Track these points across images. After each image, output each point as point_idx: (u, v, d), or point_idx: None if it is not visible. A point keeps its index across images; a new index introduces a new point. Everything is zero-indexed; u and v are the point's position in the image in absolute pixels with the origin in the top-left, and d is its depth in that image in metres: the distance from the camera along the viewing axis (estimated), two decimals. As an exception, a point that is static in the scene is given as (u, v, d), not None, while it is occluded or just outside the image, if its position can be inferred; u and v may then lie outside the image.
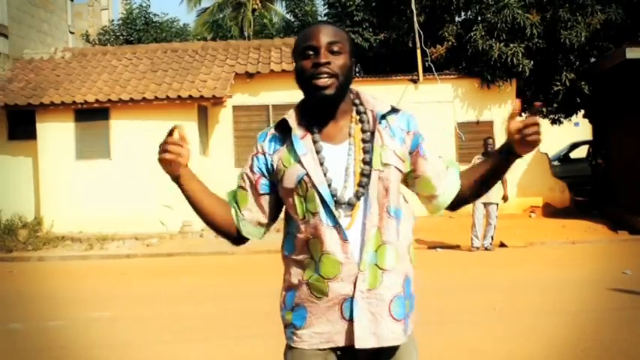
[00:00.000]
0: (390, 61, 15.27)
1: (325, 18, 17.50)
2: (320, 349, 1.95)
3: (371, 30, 15.10)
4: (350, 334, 1.91)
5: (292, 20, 22.59)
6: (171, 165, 1.95)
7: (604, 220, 13.00)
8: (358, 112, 2.02)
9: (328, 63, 1.91)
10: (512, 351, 5.13)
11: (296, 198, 1.95)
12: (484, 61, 13.91)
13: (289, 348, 2.02)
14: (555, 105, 15.61)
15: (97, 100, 13.05)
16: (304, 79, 1.94)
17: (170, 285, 8.71)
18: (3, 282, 9.58)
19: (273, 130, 2.05)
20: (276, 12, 28.95)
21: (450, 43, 14.52)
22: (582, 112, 16.47)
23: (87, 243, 12.69)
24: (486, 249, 10.66)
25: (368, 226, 1.91)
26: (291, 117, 2.01)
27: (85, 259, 11.67)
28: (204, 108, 13.93)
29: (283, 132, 2.02)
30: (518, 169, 14.45)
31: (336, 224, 1.90)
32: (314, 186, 1.92)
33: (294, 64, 2.01)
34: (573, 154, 19.47)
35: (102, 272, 10.16)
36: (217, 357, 5.27)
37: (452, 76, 14.66)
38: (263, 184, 2.04)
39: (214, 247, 11.47)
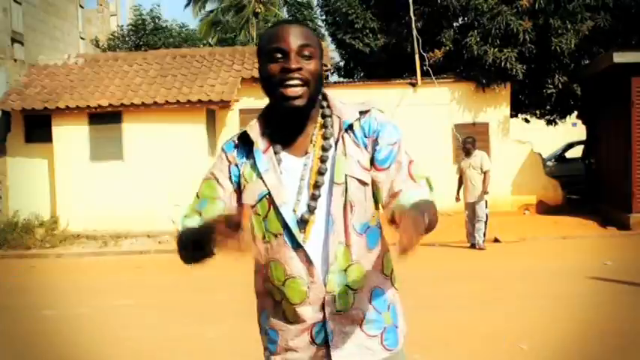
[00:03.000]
0: (390, 65, 15.89)
1: (324, 24, 18.08)
2: None
3: (371, 36, 15.72)
4: (319, 359, 1.82)
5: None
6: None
7: (595, 216, 13.62)
8: (323, 116, 1.82)
9: (300, 69, 1.70)
10: (497, 330, 5.78)
11: (254, 218, 1.79)
12: (479, 65, 14.54)
13: None
14: (549, 107, 16.30)
15: (110, 105, 13.67)
16: (271, 85, 1.73)
17: (184, 276, 9.35)
18: (29, 275, 10.26)
19: (237, 141, 1.87)
20: (279, 15, 29.58)
21: (447, 48, 15.15)
22: (576, 113, 17.12)
23: (101, 240, 13.37)
24: (474, 245, 10.92)
25: (333, 245, 1.75)
26: (253, 128, 1.84)
27: (101, 255, 12.34)
28: (213, 111, 14.59)
29: (245, 144, 1.84)
30: (512, 169, 15.11)
31: (300, 247, 1.76)
32: (275, 206, 1.76)
33: (257, 65, 1.79)
34: (569, 154, 20.03)
35: (119, 267, 10.83)
36: (232, 336, 5.90)
37: (449, 80, 15.28)
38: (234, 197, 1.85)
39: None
